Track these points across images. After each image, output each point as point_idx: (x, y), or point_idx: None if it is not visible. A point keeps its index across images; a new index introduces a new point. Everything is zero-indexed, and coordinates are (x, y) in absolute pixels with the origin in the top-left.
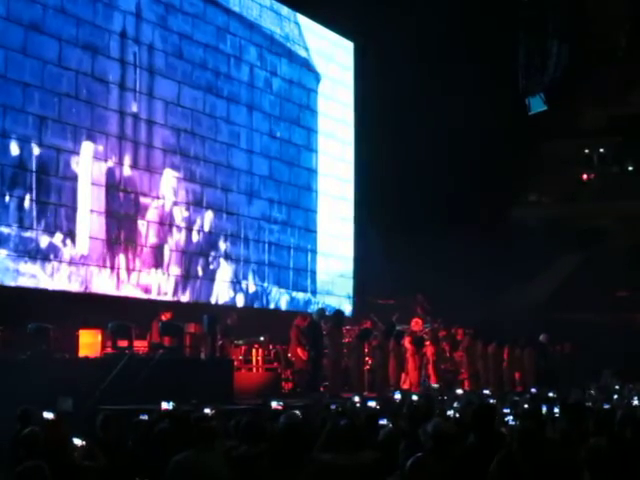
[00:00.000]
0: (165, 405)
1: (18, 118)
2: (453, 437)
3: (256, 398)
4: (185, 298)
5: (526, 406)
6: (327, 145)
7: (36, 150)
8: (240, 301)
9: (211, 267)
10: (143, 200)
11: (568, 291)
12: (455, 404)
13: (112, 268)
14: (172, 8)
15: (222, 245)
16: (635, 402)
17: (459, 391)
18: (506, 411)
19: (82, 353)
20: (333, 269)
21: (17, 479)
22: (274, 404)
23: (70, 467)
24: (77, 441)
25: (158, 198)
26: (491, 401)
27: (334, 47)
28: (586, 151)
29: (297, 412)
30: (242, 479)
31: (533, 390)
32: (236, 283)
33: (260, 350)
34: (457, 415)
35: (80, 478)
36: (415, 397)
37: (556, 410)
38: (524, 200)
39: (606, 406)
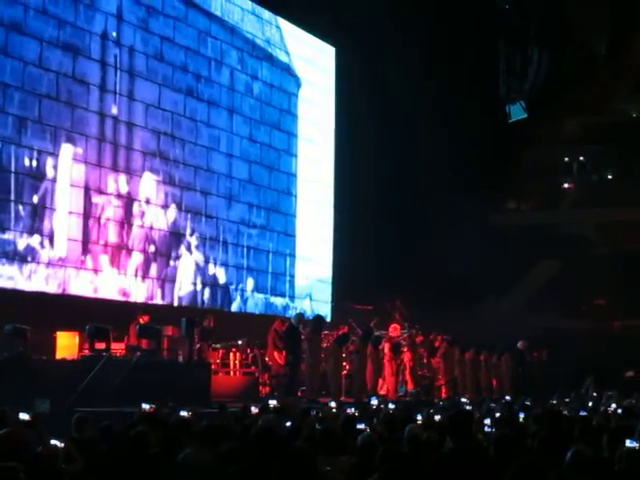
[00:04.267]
0: (146, 406)
1: None
2: (427, 442)
3: (234, 401)
4: (163, 301)
5: (498, 415)
6: (307, 150)
7: (15, 151)
8: (218, 305)
9: (189, 270)
10: (121, 203)
11: (546, 298)
12: (431, 410)
13: (90, 270)
14: (154, 11)
15: (200, 249)
16: (611, 409)
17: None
18: (483, 418)
19: (59, 355)
20: (312, 274)
21: None
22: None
23: (47, 469)
24: (55, 443)
25: (137, 201)
26: (468, 408)
27: (315, 52)
28: (566, 159)
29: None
30: None
31: (507, 397)
32: (214, 287)
33: (238, 354)
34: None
35: None
36: (391, 405)
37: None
38: (503, 207)
39: (582, 413)
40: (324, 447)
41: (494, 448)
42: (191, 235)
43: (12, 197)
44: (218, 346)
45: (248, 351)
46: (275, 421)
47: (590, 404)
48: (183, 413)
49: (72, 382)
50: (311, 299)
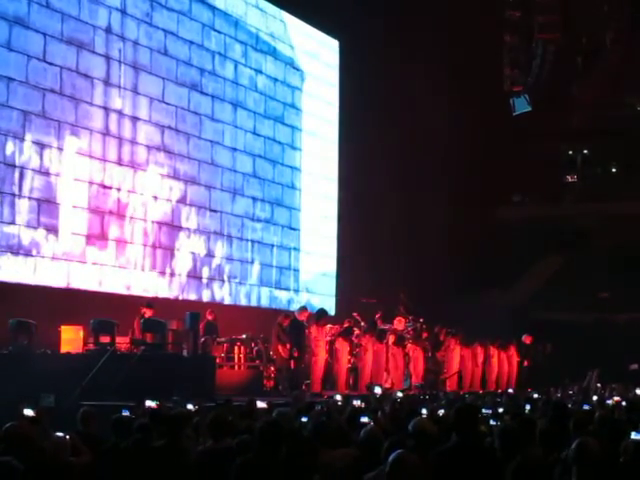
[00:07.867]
0: (149, 403)
1: (2, 113)
2: (434, 435)
3: (239, 395)
4: (168, 295)
5: (501, 409)
6: (311, 143)
7: (19, 145)
8: (223, 298)
9: (193, 264)
10: (126, 196)
11: (550, 292)
12: (435, 404)
13: (94, 264)
14: (157, 4)
15: (205, 243)
16: (612, 402)
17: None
18: (488, 411)
19: (64, 349)
20: (316, 268)
21: None
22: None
23: (53, 463)
24: (62, 436)
25: (141, 195)
26: (473, 401)
27: (319, 45)
28: (570, 152)
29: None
30: (206, 473)
31: (510, 391)
32: (219, 281)
33: (242, 348)
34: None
35: (64, 474)
36: (400, 394)
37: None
38: (508, 200)
39: (586, 407)
40: (328, 440)
41: (499, 441)
42: (195, 229)
43: (16, 191)
44: (222, 340)
45: (252, 345)
46: (289, 414)
47: (595, 397)
48: (189, 407)
49: (77, 376)
50: (308, 291)
